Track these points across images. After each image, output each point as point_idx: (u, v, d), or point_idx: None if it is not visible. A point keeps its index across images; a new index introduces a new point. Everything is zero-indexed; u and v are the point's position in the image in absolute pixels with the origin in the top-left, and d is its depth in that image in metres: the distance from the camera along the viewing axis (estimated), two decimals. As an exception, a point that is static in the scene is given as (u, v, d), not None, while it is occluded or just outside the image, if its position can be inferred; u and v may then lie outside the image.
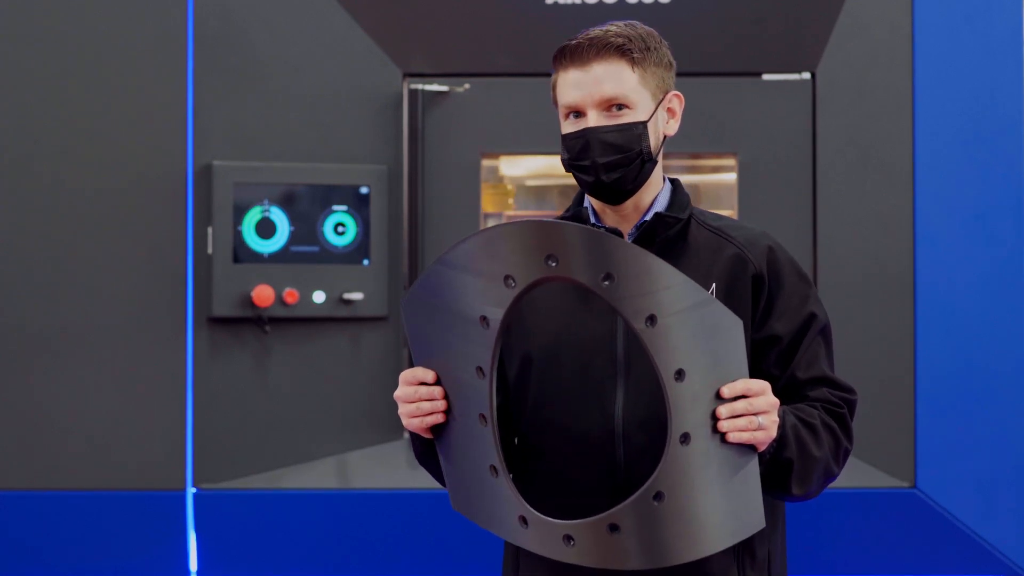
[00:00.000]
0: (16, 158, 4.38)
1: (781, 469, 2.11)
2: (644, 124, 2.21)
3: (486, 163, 4.59)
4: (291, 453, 4.43)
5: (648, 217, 2.26)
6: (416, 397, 2.11)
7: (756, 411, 1.98)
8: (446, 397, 2.10)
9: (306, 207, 4.44)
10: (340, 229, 4.44)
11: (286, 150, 4.44)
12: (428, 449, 2.21)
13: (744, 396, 1.98)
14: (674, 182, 2.32)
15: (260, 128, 4.43)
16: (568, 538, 2.00)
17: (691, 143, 4.41)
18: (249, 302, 4.38)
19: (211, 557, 4.37)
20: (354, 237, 4.44)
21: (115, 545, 4.35)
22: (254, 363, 4.43)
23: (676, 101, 2.29)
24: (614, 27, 2.24)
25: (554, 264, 1.93)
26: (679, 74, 2.31)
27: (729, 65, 4.44)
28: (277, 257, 4.42)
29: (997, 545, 4.35)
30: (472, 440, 2.07)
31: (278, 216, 4.43)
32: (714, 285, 2.21)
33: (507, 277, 1.97)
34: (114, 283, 4.37)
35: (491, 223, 4.62)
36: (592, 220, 2.30)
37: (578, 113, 2.23)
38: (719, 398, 1.97)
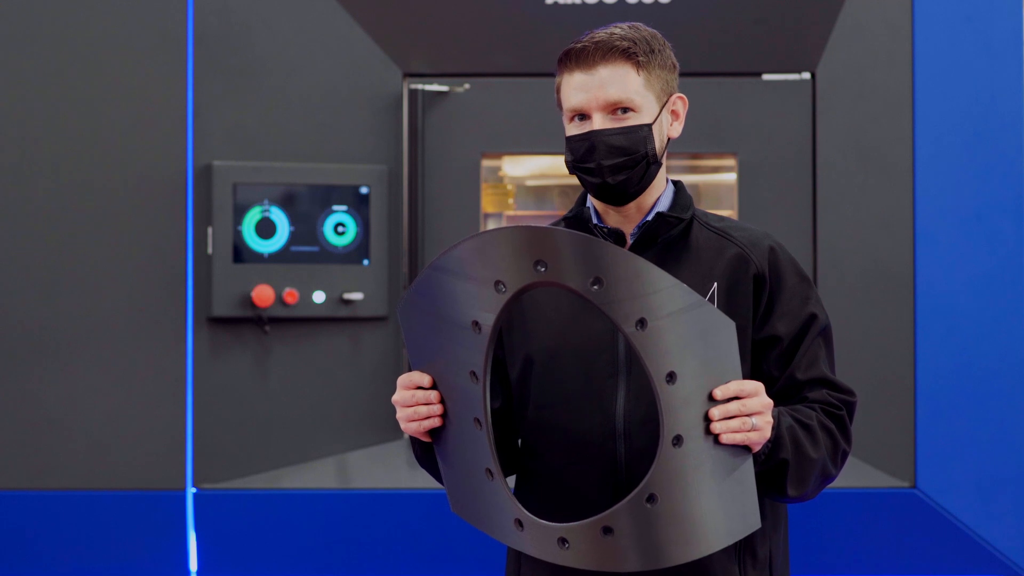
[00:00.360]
0: (16, 158, 4.38)
1: (776, 470, 2.11)
2: (649, 127, 2.21)
3: (487, 163, 4.59)
4: (291, 453, 4.43)
5: (650, 217, 2.26)
6: (413, 401, 2.12)
7: (749, 412, 1.98)
8: (443, 401, 2.11)
9: (306, 207, 4.44)
10: (340, 229, 4.44)
11: (286, 150, 4.44)
12: (428, 452, 2.22)
13: (737, 397, 1.98)
14: (676, 183, 2.33)
15: (260, 128, 4.43)
16: (563, 541, 2.00)
17: (691, 143, 4.41)
18: (249, 302, 4.38)
19: (211, 557, 4.37)
20: (354, 237, 4.44)
21: (115, 545, 4.35)
22: (254, 363, 4.43)
23: (680, 103, 2.29)
24: (619, 29, 2.24)
25: (543, 269, 1.94)
26: (680, 74, 2.31)
27: (729, 65, 4.44)
28: (277, 257, 4.42)
29: (997, 545, 4.35)
30: (468, 444, 2.08)
31: (278, 216, 4.43)
32: (715, 285, 2.21)
33: (497, 282, 1.97)
34: (114, 283, 4.37)
35: (491, 223, 4.62)
36: (594, 220, 2.30)
37: (583, 116, 2.23)
38: (712, 400, 1.97)
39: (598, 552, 1.99)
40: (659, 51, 2.24)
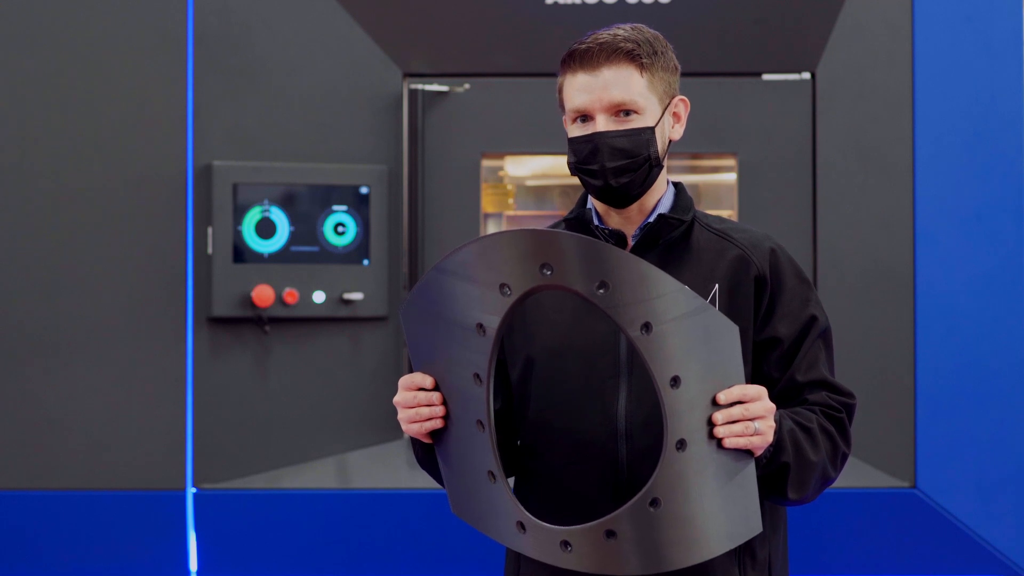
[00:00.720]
0: (16, 158, 4.38)
1: (778, 474, 2.11)
2: (652, 130, 2.22)
3: (487, 163, 4.59)
4: (291, 453, 4.43)
5: (651, 219, 2.26)
6: (415, 403, 2.11)
7: (752, 416, 1.98)
8: (445, 403, 2.10)
9: (306, 207, 4.44)
10: (340, 229, 4.44)
11: (286, 150, 4.44)
12: (428, 454, 2.22)
13: (740, 402, 1.98)
14: (677, 185, 2.33)
15: (260, 128, 4.43)
16: (565, 544, 2.00)
17: (691, 143, 4.41)
18: (249, 302, 4.38)
19: (211, 557, 4.37)
20: (354, 237, 4.44)
21: (115, 545, 4.35)
22: (254, 363, 4.43)
23: (682, 106, 2.29)
24: (622, 31, 2.23)
25: (549, 273, 1.94)
26: (680, 75, 2.31)
27: (729, 65, 4.44)
28: (277, 257, 4.42)
29: (997, 545, 4.35)
30: (470, 446, 2.07)
31: (278, 216, 4.43)
32: (717, 286, 2.21)
33: (503, 285, 1.97)
34: (114, 283, 4.37)
35: (491, 223, 4.62)
36: (596, 222, 2.30)
37: (585, 117, 2.23)
38: (715, 404, 1.97)
39: (600, 556, 1.99)
40: (662, 53, 2.24)
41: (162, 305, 4.37)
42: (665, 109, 2.24)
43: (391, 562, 4.38)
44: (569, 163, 2.26)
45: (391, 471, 4.40)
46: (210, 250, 4.40)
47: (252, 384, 4.42)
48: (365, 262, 4.45)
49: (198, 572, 4.38)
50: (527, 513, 2.03)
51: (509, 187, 4.73)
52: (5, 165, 4.38)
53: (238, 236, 4.40)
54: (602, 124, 2.21)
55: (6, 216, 4.37)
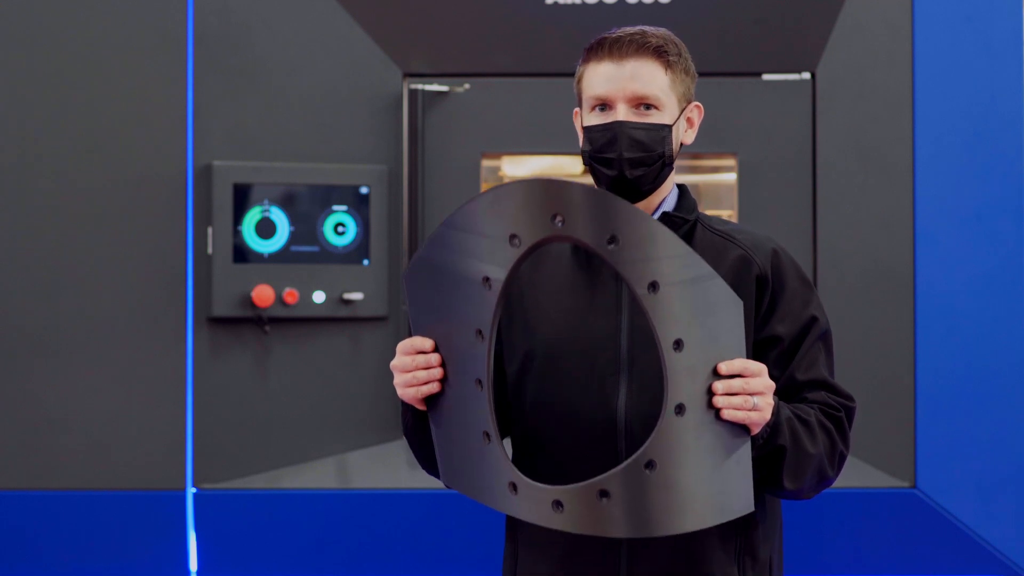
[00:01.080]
0: (16, 158, 4.38)
1: (774, 457, 2.11)
2: (669, 128, 2.24)
3: (487, 163, 4.59)
4: (291, 453, 4.43)
5: (656, 217, 2.27)
6: (413, 366, 2.11)
7: (752, 391, 2.00)
8: (443, 366, 2.10)
9: (306, 207, 4.44)
10: (340, 229, 4.44)
11: (286, 150, 4.44)
12: (419, 424, 2.21)
13: (741, 376, 1.99)
14: (681, 187, 2.34)
15: (260, 128, 4.43)
16: (557, 504, 2.01)
17: (691, 143, 4.40)
18: (249, 302, 4.38)
19: (211, 557, 4.38)
20: (354, 237, 4.44)
21: (115, 545, 4.35)
22: (254, 363, 4.43)
23: (696, 112, 2.32)
24: (649, 29, 2.26)
25: (560, 223, 1.94)
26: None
27: (729, 65, 4.44)
28: (277, 257, 4.43)
29: (997, 545, 4.35)
30: (466, 407, 2.08)
31: (278, 216, 4.43)
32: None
33: (512, 236, 1.98)
34: (114, 283, 4.37)
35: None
36: None
37: (605, 106, 2.24)
38: (716, 375, 1.98)
39: (592, 516, 1.99)
40: (685, 56, 2.28)
41: (162, 305, 4.37)
42: (682, 111, 2.26)
43: (391, 562, 4.38)
44: (583, 151, 2.26)
45: (391, 471, 4.40)
46: (210, 250, 4.40)
47: (252, 384, 4.42)
48: (365, 262, 4.45)
49: (198, 572, 4.38)
50: (519, 473, 2.03)
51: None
52: (5, 165, 4.38)
53: (238, 236, 4.40)
54: (622, 114, 2.22)
55: (6, 216, 4.38)
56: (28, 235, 4.38)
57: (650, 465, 1.97)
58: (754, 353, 2.22)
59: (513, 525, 2.31)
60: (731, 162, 4.53)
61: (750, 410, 2.00)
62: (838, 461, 2.21)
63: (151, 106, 4.39)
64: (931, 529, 4.35)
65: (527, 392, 2.25)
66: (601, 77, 2.23)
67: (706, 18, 4.43)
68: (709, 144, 4.46)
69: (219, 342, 4.41)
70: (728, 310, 1.98)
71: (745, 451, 2.01)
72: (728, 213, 4.54)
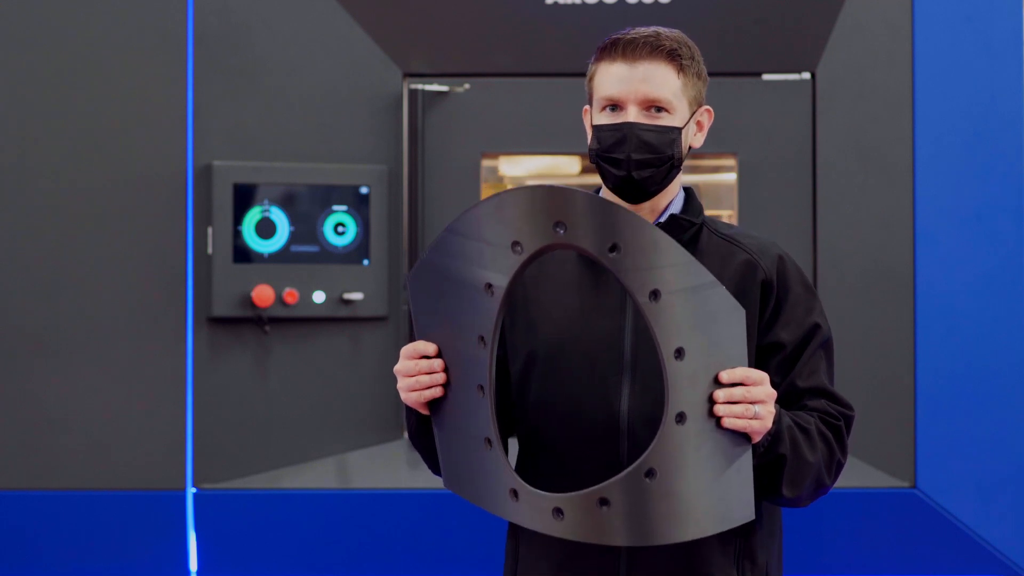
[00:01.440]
0: (16, 158, 4.38)
1: (774, 466, 2.11)
2: (679, 131, 2.23)
3: (487, 163, 4.59)
4: (291, 453, 4.43)
5: (663, 219, 2.27)
6: (416, 371, 2.12)
7: (753, 400, 2.00)
8: (446, 371, 2.11)
9: (306, 207, 4.44)
10: (340, 229, 4.44)
11: (286, 150, 4.44)
12: (423, 427, 2.21)
13: (743, 384, 1.99)
14: (688, 190, 2.34)
15: (260, 128, 4.43)
16: (558, 511, 2.01)
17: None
18: (249, 302, 4.38)
19: (211, 557, 4.38)
20: (354, 237, 4.44)
21: (115, 545, 4.35)
22: (254, 363, 4.43)
23: (706, 115, 2.31)
24: (663, 30, 2.26)
25: (562, 231, 1.95)
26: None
27: (729, 65, 4.43)
28: (277, 257, 4.43)
29: (997, 545, 4.35)
30: (469, 412, 2.08)
31: (278, 216, 4.43)
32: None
33: (515, 243, 1.98)
34: (114, 283, 4.37)
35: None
36: None
37: (615, 106, 2.23)
38: (718, 383, 1.98)
39: (592, 524, 1.99)
40: (698, 60, 2.28)
41: (162, 305, 4.37)
42: (692, 115, 2.26)
43: (391, 562, 4.38)
44: (591, 150, 2.26)
45: (391, 471, 4.40)
46: (210, 250, 4.40)
47: (252, 384, 4.42)
48: (365, 262, 4.45)
49: (198, 572, 4.38)
50: (520, 480, 2.04)
51: (509, 187, 4.73)
52: (5, 165, 4.38)
53: (238, 236, 4.40)
54: (633, 115, 2.22)
55: (6, 216, 4.38)
56: (28, 235, 4.37)
57: (650, 473, 1.97)
58: (756, 358, 2.22)
59: (514, 525, 2.31)
60: (731, 162, 4.53)
61: (751, 418, 2.00)
62: (835, 470, 2.21)
63: (151, 106, 4.39)
64: (931, 529, 4.35)
65: (530, 392, 2.25)
66: (613, 78, 2.23)
67: (706, 18, 4.43)
68: (709, 144, 4.40)
69: (219, 342, 4.41)
70: (730, 318, 1.98)
71: (746, 459, 2.01)
72: (728, 213, 4.54)
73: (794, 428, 2.13)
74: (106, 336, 4.36)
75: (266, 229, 4.42)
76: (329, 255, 4.44)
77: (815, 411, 2.21)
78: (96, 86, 4.39)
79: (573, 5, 4.43)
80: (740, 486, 2.00)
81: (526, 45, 4.45)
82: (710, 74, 2.34)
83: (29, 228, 4.38)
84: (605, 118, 2.24)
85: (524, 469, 2.28)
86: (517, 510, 2.05)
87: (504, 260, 1.99)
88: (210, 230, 4.40)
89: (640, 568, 2.19)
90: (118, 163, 4.38)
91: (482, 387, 2.05)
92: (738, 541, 2.21)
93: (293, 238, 4.43)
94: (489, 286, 2.01)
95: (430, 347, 2.11)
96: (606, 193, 2.31)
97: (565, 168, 4.71)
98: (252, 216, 4.41)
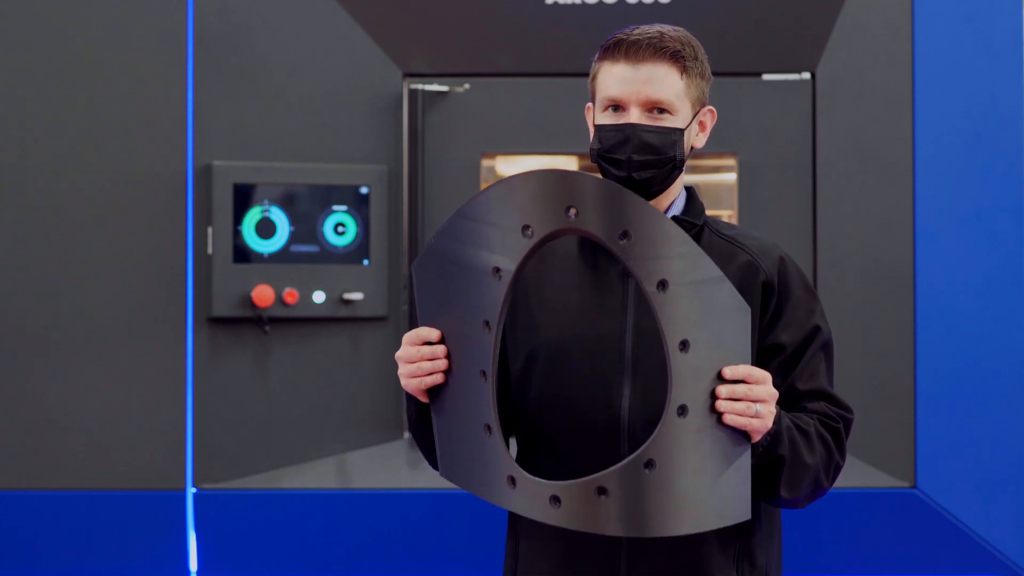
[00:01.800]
0: (16, 158, 4.38)
1: (772, 467, 2.12)
2: (681, 132, 2.23)
3: (486, 163, 4.59)
4: (291, 453, 4.43)
5: None
6: (418, 357, 2.12)
7: (755, 398, 2.00)
8: (448, 357, 2.10)
9: (306, 207, 4.44)
10: (340, 229, 4.44)
11: (286, 150, 4.44)
12: (423, 417, 2.21)
13: (745, 382, 1.99)
14: (690, 190, 2.34)
15: (260, 128, 4.43)
16: (555, 499, 2.01)
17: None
18: (249, 302, 4.38)
19: (211, 557, 4.38)
20: (354, 237, 4.44)
21: (115, 545, 4.35)
22: (254, 363, 4.43)
23: (709, 116, 2.31)
24: (668, 30, 2.24)
25: (573, 216, 1.95)
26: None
27: (729, 65, 4.43)
28: (277, 257, 4.43)
29: (997, 545, 4.35)
30: (469, 398, 2.08)
31: (278, 216, 4.43)
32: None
33: (525, 227, 1.98)
34: (114, 283, 4.37)
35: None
36: None
37: (618, 107, 2.23)
38: (721, 378, 1.98)
39: (589, 513, 1.99)
40: (701, 60, 2.26)
41: (162, 305, 4.37)
42: (695, 115, 2.25)
43: (391, 562, 4.38)
44: (592, 150, 2.25)
45: (391, 471, 4.40)
46: (210, 250, 4.40)
47: (252, 384, 4.42)
48: (365, 262, 4.45)
49: (198, 572, 4.38)
50: (519, 467, 2.04)
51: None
52: (5, 165, 4.38)
53: (238, 236, 4.40)
54: (635, 117, 2.21)
55: (6, 216, 4.38)
56: (28, 235, 4.37)
57: (649, 464, 1.97)
58: (757, 360, 2.21)
59: (514, 524, 2.31)
60: (731, 162, 4.53)
61: (752, 416, 2.00)
62: (834, 472, 2.21)
63: (151, 106, 4.39)
64: (931, 529, 4.35)
65: (531, 390, 2.25)
66: (616, 78, 2.22)
67: (706, 18, 4.43)
68: (709, 144, 4.40)
69: (219, 342, 4.41)
70: (735, 315, 1.99)
71: (745, 458, 2.01)
72: (728, 213, 4.54)
73: (793, 429, 2.13)
74: (106, 336, 4.36)
75: (266, 229, 4.42)
76: (329, 255, 4.44)
77: (815, 413, 2.21)
78: (96, 86, 4.39)
79: (573, 5, 4.43)
80: (738, 484, 2.01)
81: (526, 45, 4.45)
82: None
83: (29, 228, 4.38)
84: (607, 118, 2.23)
85: (524, 466, 2.27)
86: (514, 498, 2.05)
87: (514, 244, 1.99)
88: (210, 230, 4.40)
89: (640, 567, 2.19)
90: (118, 163, 4.38)
91: (484, 373, 2.05)
92: (738, 542, 2.21)
93: (293, 238, 4.43)
94: (497, 270, 2.02)
95: (433, 333, 2.11)
96: None
97: (564, 168, 4.71)
98: (252, 216, 4.41)
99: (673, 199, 2.30)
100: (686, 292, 1.95)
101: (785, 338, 2.22)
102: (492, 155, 4.59)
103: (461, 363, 2.09)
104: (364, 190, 4.45)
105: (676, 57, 2.21)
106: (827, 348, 2.26)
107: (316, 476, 4.41)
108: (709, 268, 1.96)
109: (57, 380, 4.36)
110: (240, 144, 4.42)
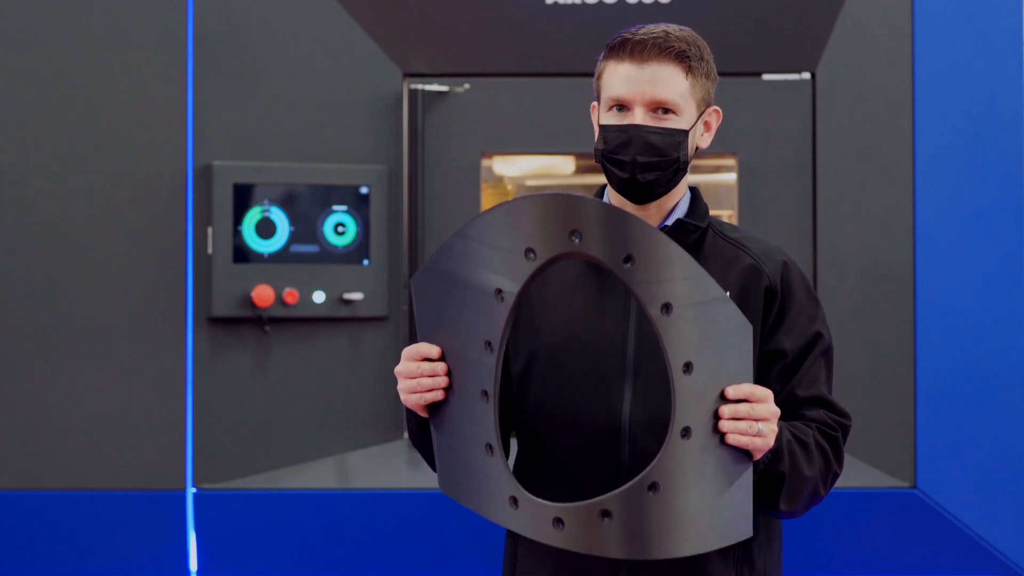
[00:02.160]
0: (16, 158, 4.38)
1: (772, 482, 2.12)
2: (686, 133, 2.22)
3: (486, 163, 4.59)
4: (291, 453, 4.43)
5: (669, 223, 2.26)
6: (418, 373, 2.10)
7: (757, 417, 1.99)
8: (448, 375, 2.09)
9: (306, 207, 4.44)
10: (340, 229, 4.44)
11: (286, 150, 4.44)
12: (423, 429, 2.20)
13: (747, 401, 1.98)
14: (694, 191, 2.33)
15: (260, 128, 4.43)
16: (558, 521, 2.00)
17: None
18: (249, 302, 4.38)
19: (211, 557, 4.37)
20: (354, 237, 4.44)
21: (115, 545, 4.35)
22: (254, 363, 4.43)
23: (715, 116, 2.30)
24: (673, 30, 2.23)
25: (577, 240, 1.94)
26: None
27: (729, 65, 4.41)
28: (277, 257, 4.42)
29: (997, 545, 4.35)
30: (470, 417, 2.07)
31: (278, 216, 4.43)
32: (727, 294, 2.22)
33: (528, 250, 1.97)
34: (114, 283, 4.37)
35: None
36: None
37: (622, 107, 2.22)
38: (723, 398, 1.98)
39: (592, 535, 1.99)
40: (707, 60, 2.25)
41: (162, 305, 4.37)
42: (700, 116, 2.25)
43: (391, 562, 4.38)
44: (596, 150, 2.24)
45: (391, 471, 4.40)
46: (210, 250, 4.40)
47: (252, 384, 4.42)
48: (365, 262, 4.45)
49: (198, 572, 4.38)
50: (521, 488, 2.03)
51: (509, 187, 4.73)
52: (5, 165, 4.38)
53: (238, 236, 4.40)
54: (639, 117, 2.20)
55: (6, 216, 4.37)
56: (28, 235, 4.37)
57: (653, 487, 1.96)
58: (758, 365, 2.21)
59: (514, 525, 2.31)
60: (731, 162, 4.53)
61: (755, 435, 2.00)
62: (831, 480, 2.21)
63: (151, 106, 4.39)
64: (931, 529, 4.35)
65: (531, 392, 2.25)
66: (620, 78, 2.21)
67: (706, 18, 4.42)
68: (709, 144, 4.45)
69: (219, 342, 4.41)
70: (738, 334, 1.98)
71: (747, 476, 2.01)
72: (728, 213, 4.54)
73: (793, 443, 2.13)
74: (106, 336, 4.36)
75: (266, 229, 4.42)
76: (329, 255, 4.44)
77: (813, 421, 2.21)
78: (96, 86, 4.39)
79: (573, 5, 4.43)
80: (740, 502, 2.01)
81: (526, 45, 4.45)
82: (711, 74, 2.32)
83: (29, 228, 4.38)
84: (612, 118, 2.23)
85: (524, 469, 2.27)
86: (516, 518, 2.04)
87: (516, 266, 1.98)
88: (210, 230, 4.40)
89: (640, 572, 2.19)
90: (118, 163, 4.38)
91: (486, 393, 2.04)
92: (737, 546, 2.21)
93: (293, 238, 4.43)
94: (499, 292, 2.00)
95: (433, 350, 2.10)
96: (611, 193, 2.30)
97: (559, 168, 4.71)
98: (252, 216, 4.41)
99: (677, 201, 2.29)
100: (690, 314, 1.95)
101: (787, 344, 2.22)
102: (492, 155, 4.59)
103: (462, 381, 2.08)
104: (364, 190, 4.44)
105: (681, 57, 2.20)
106: (827, 355, 2.26)
107: (316, 476, 4.41)
108: (713, 289, 1.96)
109: (57, 380, 4.36)
110: (240, 144, 4.42)
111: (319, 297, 4.42)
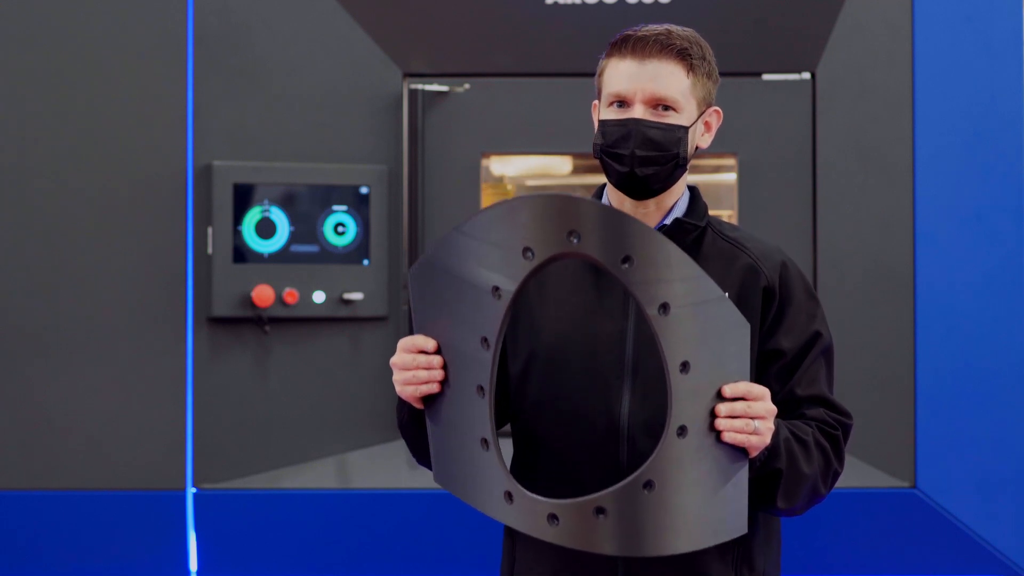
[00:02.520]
0: (16, 158, 4.38)
1: (769, 479, 2.12)
2: (686, 130, 2.23)
3: (486, 163, 4.59)
4: (291, 453, 4.43)
5: (667, 222, 2.27)
6: (414, 365, 2.10)
7: (753, 415, 1.99)
8: (444, 367, 2.09)
9: (306, 207, 4.44)
10: (340, 229, 4.44)
11: (286, 150, 4.44)
12: (412, 420, 2.20)
13: (744, 399, 1.98)
14: (693, 190, 2.33)
15: (260, 128, 4.43)
16: (553, 517, 2.01)
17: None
18: (249, 302, 4.38)
19: (211, 557, 4.37)
20: (354, 237, 4.44)
21: (115, 545, 4.35)
22: (254, 363, 4.43)
23: (715, 116, 2.31)
24: (676, 29, 2.25)
25: (576, 240, 1.95)
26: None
27: (729, 65, 4.40)
28: (277, 257, 4.42)
29: (997, 545, 4.35)
30: (466, 412, 2.07)
31: (278, 216, 4.43)
32: (726, 294, 2.22)
33: (526, 249, 1.98)
34: (114, 283, 4.37)
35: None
36: None
37: (623, 103, 2.23)
38: (720, 397, 1.98)
39: (586, 532, 1.99)
40: (709, 60, 2.26)
41: (162, 305, 4.37)
42: (700, 115, 2.25)
43: (391, 562, 4.38)
44: (595, 145, 2.25)
45: (391, 471, 4.40)
46: (210, 250, 4.40)
47: (252, 384, 4.42)
48: (365, 262, 4.45)
49: (198, 572, 4.38)
50: (516, 483, 2.03)
51: (509, 187, 4.73)
52: (5, 165, 4.38)
53: (238, 236, 4.40)
54: (639, 112, 2.21)
55: (6, 216, 4.37)
56: (28, 235, 4.37)
57: (648, 485, 1.97)
58: (757, 364, 2.21)
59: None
60: (731, 162, 4.53)
61: (751, 434, 2.00)
62: (832, 479, 2.21)
63: (151, 106, 4.39)
64: (931, 529, 4.35)
65: (530, 391, 2.25)
66: (622, 74, 2.22)
67: (706, 18, 4.42)
68: (710, 144, 4.45)
69: (219, 342, 4.41)
70: (736, 333, 1.99)
71: (742, 474, 2.01)
72: (728, 213, 4.54)
73: (791, 440, 2.13)
74: (106, 336, 4.36)
75: (266, 229, 4.42)
76: (329, 255, 4.44)
77: (813, 420, 2.21)
78: (96, 86, 4.39)
79: (573, 5, 4.43)
80: (735, 500, 2.01)
81: (526, 45, 4.45)
82: (711, 73, 2.32)
83: (29, 228, 4.38)
84: (612, 114, 2.23)
85: (521, 468, 2.27)
86: (510, 513, 2.05)
87: (513, 265, 1.99)
88: (210, 230, 4.40)
89: (638, 571, 2.19)
90: (118, 163, 4.38)
91: (482, 388, 2.04)
92: (736, 546, 2.21)
93: (293, 238, 4.43)
94: (496, 289, 2.01)
95: (429, 343, 2.10)
96: (610, 191, 2.30)
97: (559, 168, 4.71)
98: (252, 216, 4.41)
99: (676, 199, 2.29)
100: (688, 314, 1.95)
101: (786, 344, 2.22)
102: (492, 155, 4.59)
103: (458, 375, 2.08)
104: (364, 190, 4.45)
105: (683, 55, 2.21)
106: (827, 354, 2.26)
107: (316, 476, 4.41)
108: (711, 289, 1.96)
109: (57, 380, 4.36)
110: (240, 144, 4.42)
111: (319, 297, 4.42)
